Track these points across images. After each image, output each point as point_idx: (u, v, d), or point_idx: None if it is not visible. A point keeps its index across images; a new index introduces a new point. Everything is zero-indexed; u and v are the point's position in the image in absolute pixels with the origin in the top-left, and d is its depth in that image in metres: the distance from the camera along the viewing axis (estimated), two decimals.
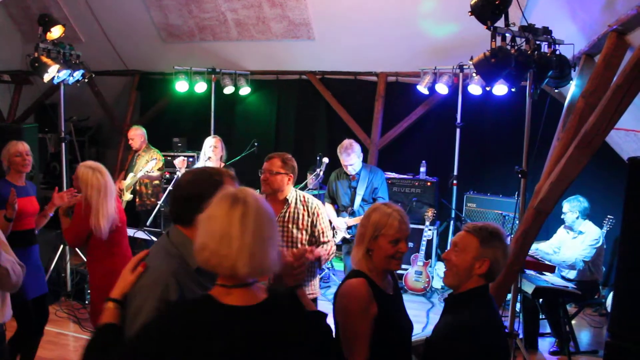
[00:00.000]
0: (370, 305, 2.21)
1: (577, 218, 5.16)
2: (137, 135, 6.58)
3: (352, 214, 5.16)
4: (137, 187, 6.52)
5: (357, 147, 5.04)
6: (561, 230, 5.42)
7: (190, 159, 7.17)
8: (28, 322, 3.96)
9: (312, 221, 3.48)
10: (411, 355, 2.41)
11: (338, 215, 5.27)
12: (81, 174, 3.64)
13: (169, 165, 6.83)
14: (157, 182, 6.64)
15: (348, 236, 5.13)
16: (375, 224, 2.32)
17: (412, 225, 6.49)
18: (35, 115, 9.13)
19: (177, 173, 5.81)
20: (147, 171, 6.11)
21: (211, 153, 5.63)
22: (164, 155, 6.72)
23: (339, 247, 5.22)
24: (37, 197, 4.33)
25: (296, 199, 3.53)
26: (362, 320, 2.18)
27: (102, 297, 1.81)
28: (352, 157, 4.99)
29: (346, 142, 5.09)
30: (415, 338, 2.56)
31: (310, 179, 6.16)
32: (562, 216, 5.28)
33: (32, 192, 4.25)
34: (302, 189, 6.53)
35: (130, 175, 6.45)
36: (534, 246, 5.20)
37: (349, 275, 2.38)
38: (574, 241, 5.20)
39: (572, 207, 5.18)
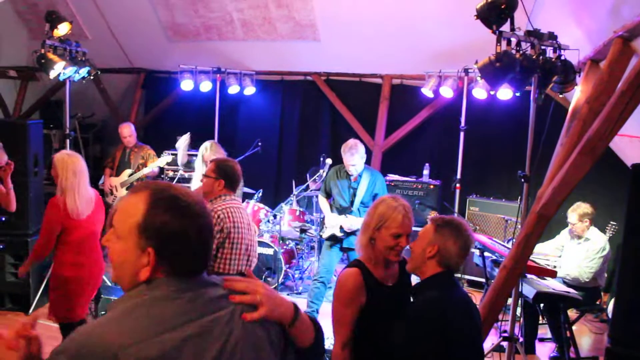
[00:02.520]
0: (358, 296, 2.44)
1: (587, 227, 5.13)
2: (132, 132, 6.63)
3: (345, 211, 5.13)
4: (135, 184, 6.54)
5: (361, 148, 5.03)
6: (565, 234, 5.40)
7: (193, 159, 7.18)
8: None
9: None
10: (387, 354, 2.51)
11: (332, 211, 5.25)
12: (57, 159, 3.82)
13: (173, 163, 6.85)
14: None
15: (340, 234, 5.06)
16: (381, 215, 2.49)
17: (414, 228, 6.55)
18: (41, 112, 9.15)
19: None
20: (153, 169, 6.18)
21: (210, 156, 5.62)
22: (170, 154, 6.76)
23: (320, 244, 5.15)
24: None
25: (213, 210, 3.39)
26: (347, 308, 2.43)
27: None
28: (355, 158, 4.97)
29: (351, 141, 5.07)
30: None
31: (311, 182, 6.18)
32: (570, 226, 5.25)
33: None
34: (304, 190, 6.55)
35: (127, 171, 6.47)
36: (536, 249, 5.21)
37: (350, 264, 2.61)
38: (579, 247, 5.19)
39: (581, 217, 5.13)
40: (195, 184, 5.48)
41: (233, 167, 3.55)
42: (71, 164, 3.80)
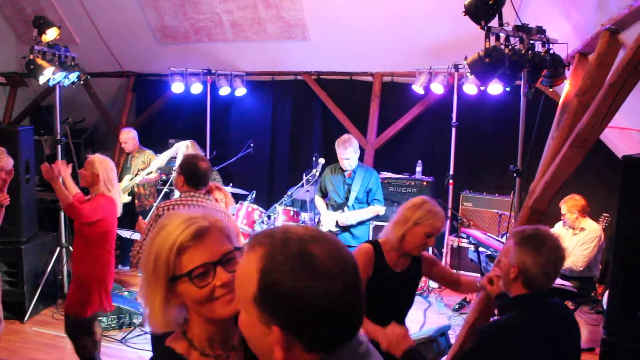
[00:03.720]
0: (365, 267, 2.71)
1: (577, 218, 5.19)
2: (129, 138, 6.59)
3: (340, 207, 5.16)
4: (136, 189, 6.52)
5: (355, 143, 5.05)
6: (560, 227, 5.43)
7: None
8: None
9: None
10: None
11: (327, 209, 5.27)
12: (97, 161, 3.87)
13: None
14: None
15: (335, 230, 5.09)
16: (423, 214, 2.71)
17: None
18: (31, 118, 9.10)
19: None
20: (148, 174, 6.16)
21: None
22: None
23: None
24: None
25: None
26: None
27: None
28: (349, 151, 4.99)
29: (345, 136, 5.11)
30: (414, 337, 2.64)
31: (305, 182, 6.17)
32: (562, 217, 5.30)
33: None
34: (298, 190, 6.54)
35: (127, 177, 6.46)
36: None
37: (367, 240, 2.92)
38: (574, 238, 5.23)
39: (570, 208, 5.20)
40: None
41: (196, 164, 3.42)
42: (109, 165, 3.92)
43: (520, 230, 2.28)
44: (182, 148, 5.54)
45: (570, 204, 5.19)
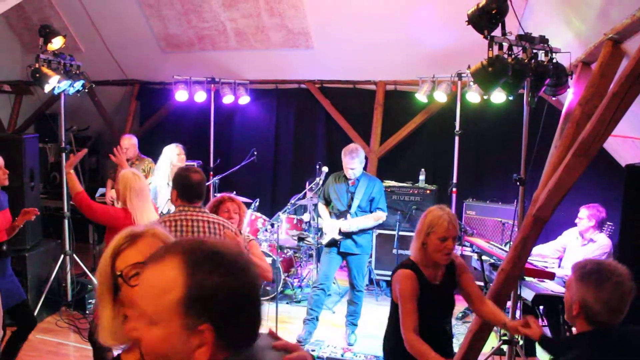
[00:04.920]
0: (415, 290, 2.88)
1: (592, 227, 5.16)
2: (132, 144, 6.61)
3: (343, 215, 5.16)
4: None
5: (361, 153, 5.08)
6: (570, 233, 5.40)
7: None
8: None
9: None
10: (438, 333, 2.98)
11: (330, 217, 5.27)
12: (122, 177, 3.88)
13: None
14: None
15: (338, 237, 5.10)
16: (429, 223, 2.89)
17: (412, 234, 6.51)
18: (36, 126, 9.16)
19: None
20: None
21: (177, 162, 5.70)
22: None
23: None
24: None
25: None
26: (411, 302, 2.85)
27: None
28: (355, 161, 5.01)
29: (352, 145, 5.14)
30: None
31: (308, 190, 6.18)
32: (577, 220, 5.27)
33: (5, 205, 4.22)
34: (301, 199, 6.55)
35: None
36: (535, 250, 5.21)
37: (401, 264, 3.03)
38: (584, 248, 5.20)
39: (590, 215, 5.17)
40: (163, 192, 5.47)
41: (187, 177, 3.25)
42: (128, 181, 3.84)
43: (582, 264, 2.19)
44: (169, 154, 5.60)
45: (592, 211, 5.17)
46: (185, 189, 3.22)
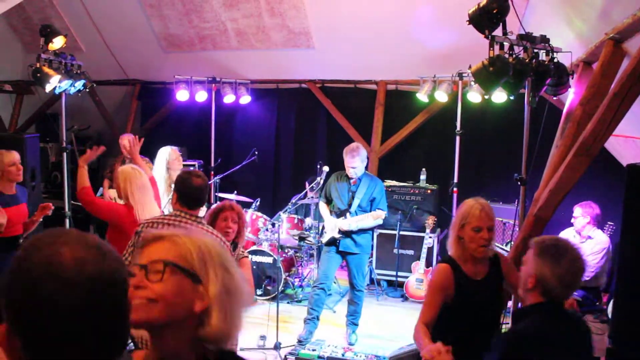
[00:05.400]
0: (446, 287, 2.75)
1: (588, 223, 5.17)
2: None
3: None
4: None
5: (363, 152, 5.08)
6: (567, 233, 5.41)
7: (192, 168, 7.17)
8: None
9: None
10: (484, 333, 2.77)
11: (331, 215, 5.27)
12: (121, 172, 3.88)
13: None
14: None
15: (338, 236, 5.10)
16: (462, 214, 2.82)
17: (412, 233, 6.58)
18: (37, 125, 9.16)
19: None
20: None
21: (176, 166, 5.49)
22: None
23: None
24: (28, 202, 4.37)
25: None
26: (435, 294, 2.76)
27: None
28: (356, 160, 5.01)
29: (354, 144, 5.14)
30: (412, 347, 2.74)
31: (309, 190, 6.17)
32: (572, 220, 5.28)
33: (22, 199, 4.27)
34: (302, 198, 6.56)
35: None
36: None
37: (442, 258, 2.97)
38: (582, 246, 5.19)
39: (584, 212, 5.18)
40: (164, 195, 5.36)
41: (188, 180, 3.15)
42: (128, 176, 3.85)
43: (540, 240, 2.27)
44: (165, 155, 5.55)
45: (585, 208, 5.18)
46: (185, 192, 3.15)
